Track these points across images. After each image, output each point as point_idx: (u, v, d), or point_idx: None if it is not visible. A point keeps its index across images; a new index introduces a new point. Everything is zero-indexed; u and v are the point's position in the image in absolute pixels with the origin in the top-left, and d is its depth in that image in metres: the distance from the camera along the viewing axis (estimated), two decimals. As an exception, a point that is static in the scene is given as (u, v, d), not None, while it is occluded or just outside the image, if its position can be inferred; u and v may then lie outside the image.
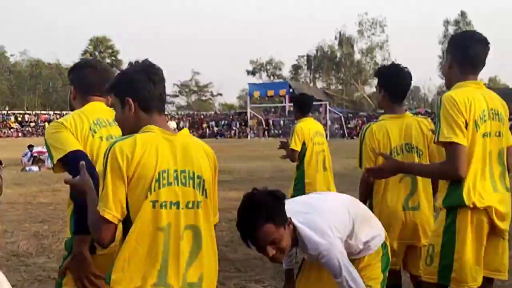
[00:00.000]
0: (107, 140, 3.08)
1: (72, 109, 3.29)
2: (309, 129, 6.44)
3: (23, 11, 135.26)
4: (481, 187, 3.26)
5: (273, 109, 64.33)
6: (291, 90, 60.66)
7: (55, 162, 2.95)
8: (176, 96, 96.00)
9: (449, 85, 3.51)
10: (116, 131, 2.87)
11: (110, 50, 79.17)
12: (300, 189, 6.24)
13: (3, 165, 20.44)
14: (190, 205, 2.49)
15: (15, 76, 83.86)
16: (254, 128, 56.82)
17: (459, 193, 3.24)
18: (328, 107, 54.17)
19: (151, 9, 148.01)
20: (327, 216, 3.31)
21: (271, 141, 47.05)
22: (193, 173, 2.52)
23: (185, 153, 2.51)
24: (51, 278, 6.05)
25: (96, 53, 78.07)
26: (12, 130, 58.55)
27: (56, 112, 71.05)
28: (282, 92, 60.78)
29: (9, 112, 66.30)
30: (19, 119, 63.08)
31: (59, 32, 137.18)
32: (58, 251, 7.22)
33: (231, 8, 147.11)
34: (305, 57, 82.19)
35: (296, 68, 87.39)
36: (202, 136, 52.93)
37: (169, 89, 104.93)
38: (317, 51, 78.88)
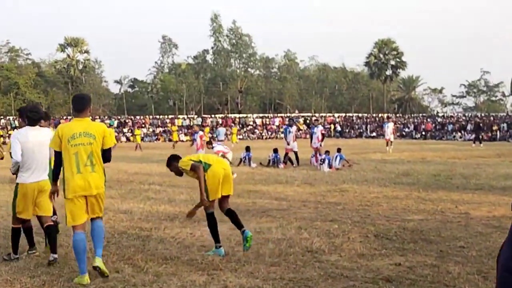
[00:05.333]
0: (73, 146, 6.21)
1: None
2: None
3: (311, 18, 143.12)
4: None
5: None
6: None
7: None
8: (463, 97, 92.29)
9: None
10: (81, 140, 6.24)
11: (394, 52, 79.02)
12: None
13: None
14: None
15: (304, 81, 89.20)
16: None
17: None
18: None
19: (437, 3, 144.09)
20: None
21: None
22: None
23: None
24: (344, 276, 6.20)
25: (381, 56, 78.73)
26: (300, 131, 61.80)
27: (340, 114, 73.70)
28: None
29: (298, 114, 70.68)
30: (307, 121, 66.64)
31: (346, 37, 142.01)
32: (349, 250, 7.37)
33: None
34: None
35: None
36: (492, 139, 49.38)
37: (455, 89, 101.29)
38: None
